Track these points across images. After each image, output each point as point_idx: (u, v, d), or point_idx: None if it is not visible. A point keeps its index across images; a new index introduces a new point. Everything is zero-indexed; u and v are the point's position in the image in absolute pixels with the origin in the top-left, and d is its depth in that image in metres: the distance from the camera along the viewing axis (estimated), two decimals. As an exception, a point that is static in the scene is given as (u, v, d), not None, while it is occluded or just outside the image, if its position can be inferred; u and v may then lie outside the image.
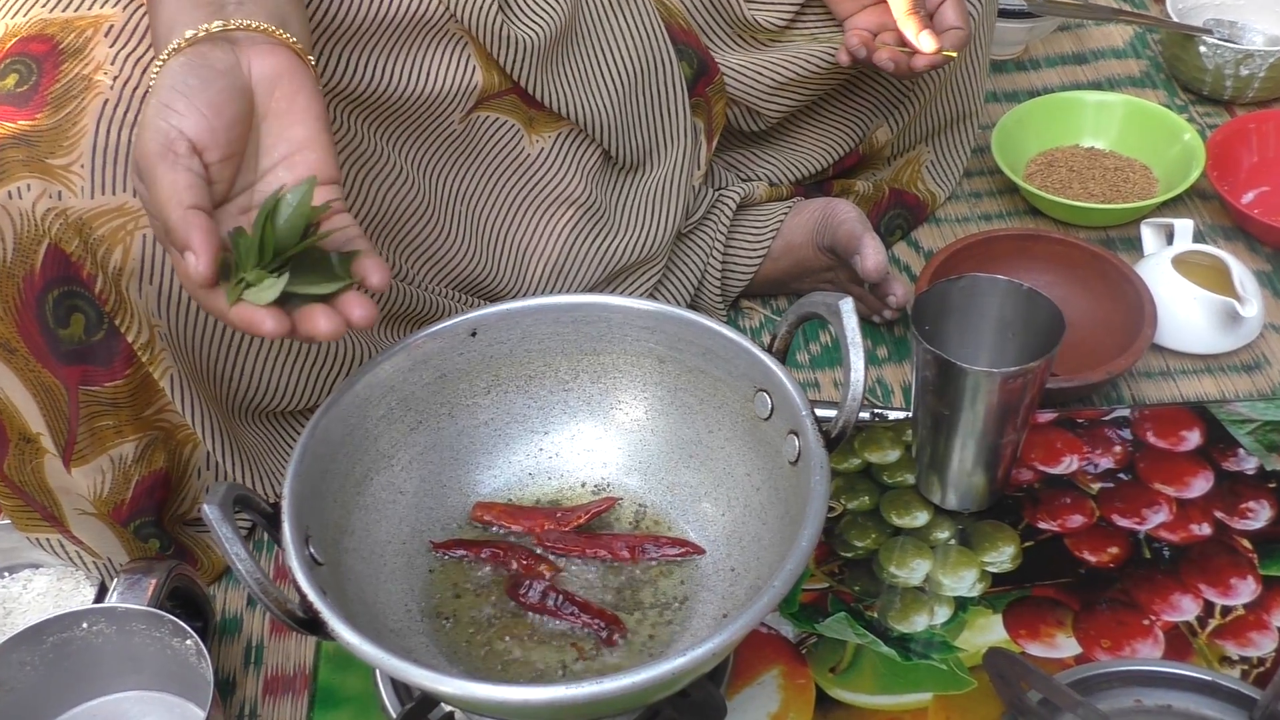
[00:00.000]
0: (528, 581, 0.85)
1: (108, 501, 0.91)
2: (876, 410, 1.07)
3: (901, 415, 1.07)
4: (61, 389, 0.87)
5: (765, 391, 0.84)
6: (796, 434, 0.81)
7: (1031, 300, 0.93)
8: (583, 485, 0.92)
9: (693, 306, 1.16)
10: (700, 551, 0.87)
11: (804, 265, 1.18)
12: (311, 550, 0.77)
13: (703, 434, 0.90)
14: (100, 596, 0.97)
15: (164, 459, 0.94)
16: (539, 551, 0.88)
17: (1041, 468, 1.02)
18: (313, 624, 0.73)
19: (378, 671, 0.87)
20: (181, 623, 0.85)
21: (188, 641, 0.85)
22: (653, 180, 1.12)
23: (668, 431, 0.91)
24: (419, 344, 0.88)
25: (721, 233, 1.17)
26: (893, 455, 1.04)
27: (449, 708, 0.82)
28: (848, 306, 0.80)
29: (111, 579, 0.95)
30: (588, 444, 0.93)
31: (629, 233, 1.10)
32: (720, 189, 1.19)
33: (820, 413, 0.81)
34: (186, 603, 0.93)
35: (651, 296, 1.13)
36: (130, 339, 0.87)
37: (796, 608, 0.93)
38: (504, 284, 1.07)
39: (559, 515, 0.89)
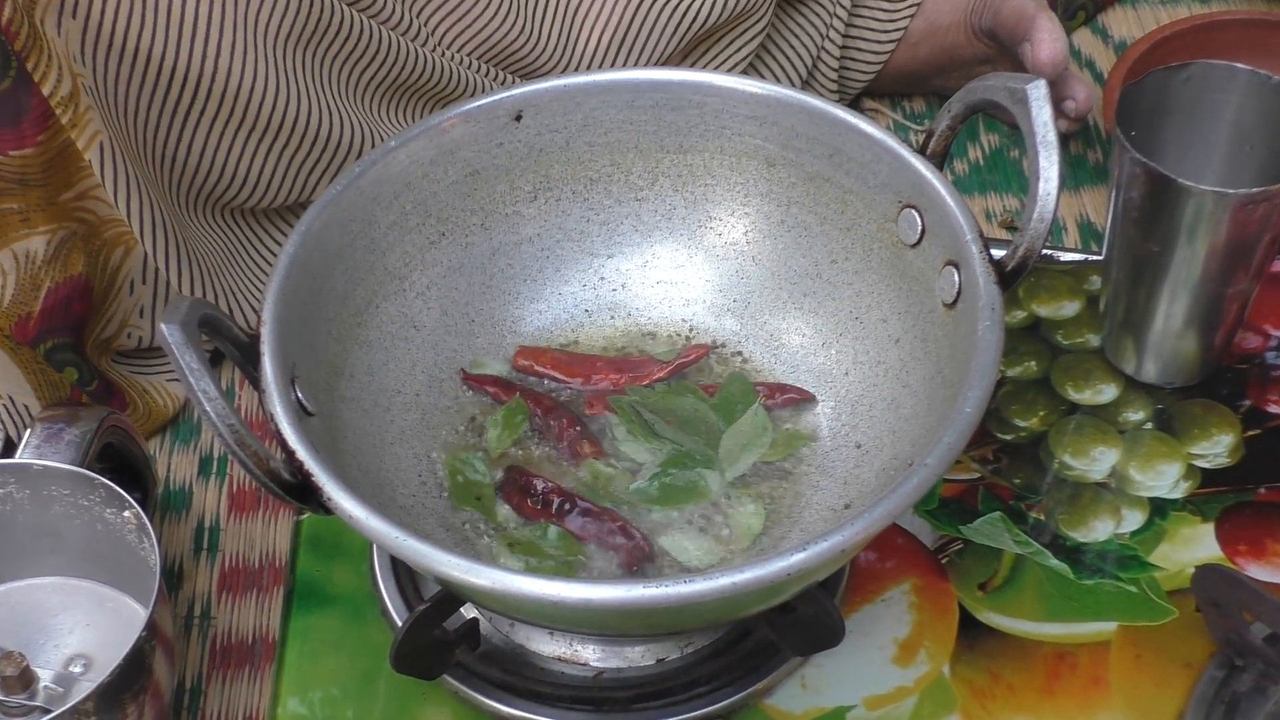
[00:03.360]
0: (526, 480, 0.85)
1: (8, 314, 0.91)
2: (1044, 250, 1.06)
3: (1079, 257, 1.06)
4: None
5: (914, 208, 0.83)
6: (956, 266, 0.79)
7: (1282, 100, 0.91)
8: (656, 328, 0.92)
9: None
10: (809, 397, 0.87)
11: (952, 54, 1.17)
12: (299, 395, 0.76)
13: (823, 264, 0.89)
14: (8, 452, 0.97)
15: (84, 263, 0.92)
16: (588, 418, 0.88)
17: (1275, 332, 1.01)
18: (302, 490, 0.72)
19: (377, 563, 0.87)
20: (118, 489, 0.84)
21: (126, 514, 0.84)
22: None
23: (775, 260, 0.90)
24: (446, 127, 0.86)
25: (843, 5, 1.15)
26: (1070, 308, 1.02)
27: (471, 614, 0.82)
28: (1039, 91, 0.77)
29: (21, 430, 0.95)
30: (665, 273, 0.92)
31: None
32: (846, -57, 1.16)
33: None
34: (121, 466, 0.93)
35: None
36: (47, 90, 0.85)
37: (936, 504, 0.93)
38: (548, 59, 1.06)
39: (630, 367, 0.89)
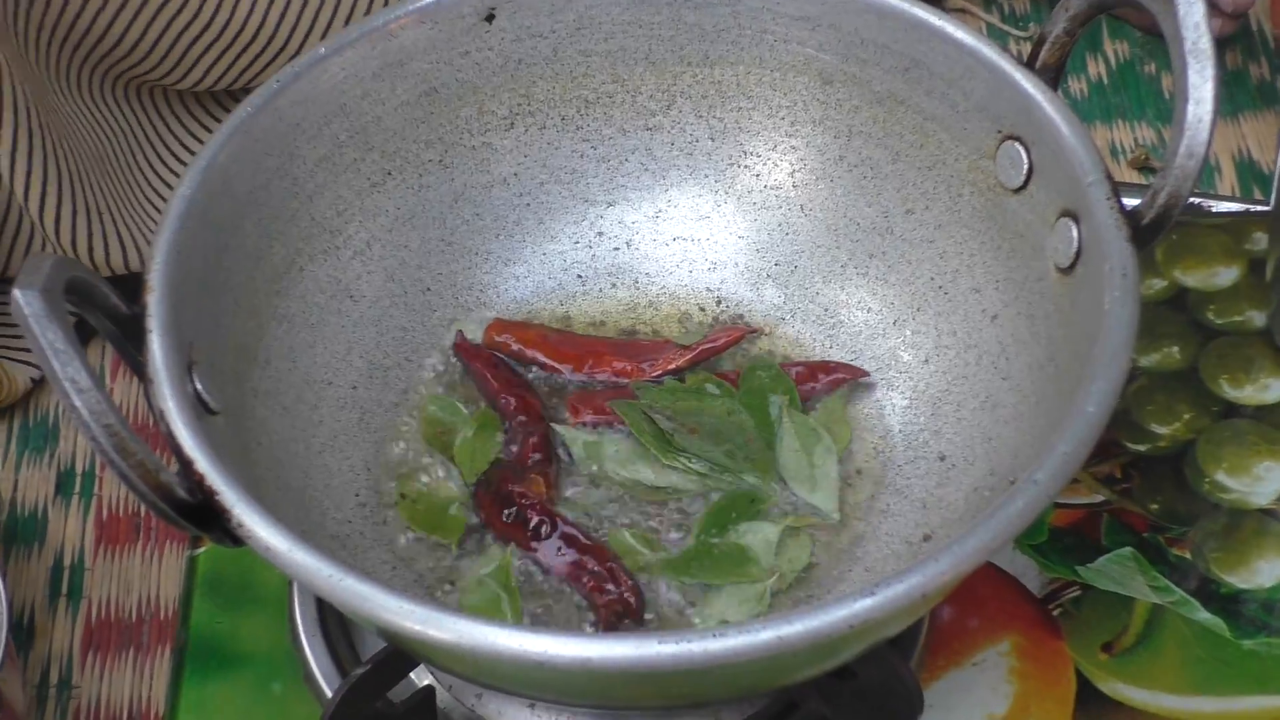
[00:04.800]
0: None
1: None
2: (1192, 198, 1.07)
3: (1237, 207, 1.06)
4: None
5: (1018, 140, 0.83)
6: (1075, 217, 0.80)
7: None
8: (673, 300, 0.93)
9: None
10: (861, 374, 0.88)
11: (1068, -71, 1.18)
12: (199, 386, 0.76)
13: (895, 216, 0.90)
14: None
15: None
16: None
17: None
18: (202, 512, 0.72)
19: (299, 611, 0.88)
20: (-48, 513, 0.86)
21: (-39, 547, 0.86)
22: None
23: (832, 209, 0.91)
24: (394, 30, 0.87)
25: None
26: (1225, 275, 1.03)
27: (425, 680, 0.83)
28: (1187, -14, 0.78)
29: None
30: (686, 227, 0.93)
31: None
32: None
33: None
34: (-47, 482, 0.94)
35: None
36: None
37: (1045, 536, 0.94)
38: None
39: (639, 353, 0.90)
